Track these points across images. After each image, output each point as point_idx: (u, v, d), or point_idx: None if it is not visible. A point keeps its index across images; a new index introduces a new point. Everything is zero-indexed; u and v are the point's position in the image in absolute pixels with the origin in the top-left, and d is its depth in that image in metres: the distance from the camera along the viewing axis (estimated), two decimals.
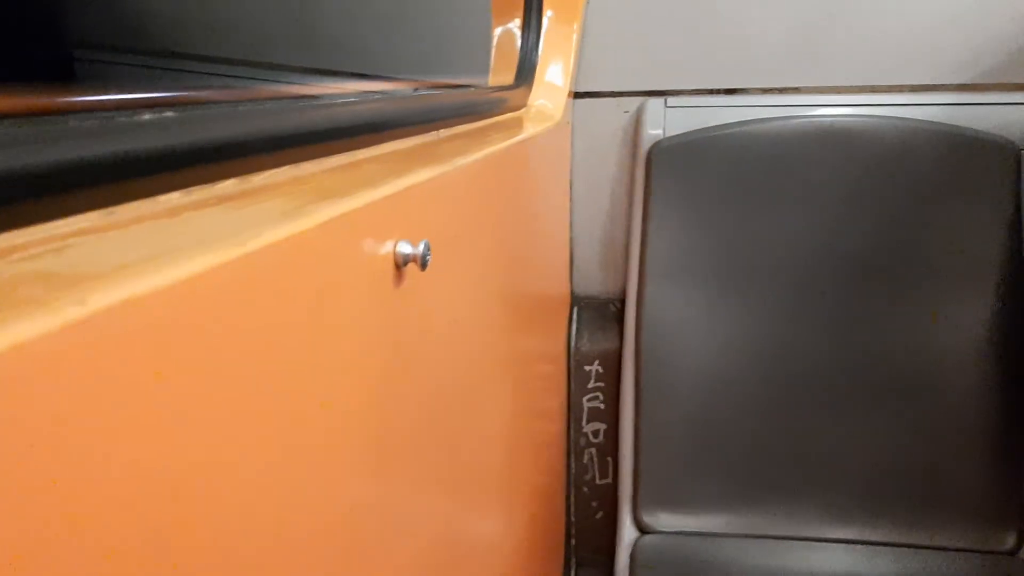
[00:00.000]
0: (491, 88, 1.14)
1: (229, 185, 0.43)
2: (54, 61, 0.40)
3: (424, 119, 0.76)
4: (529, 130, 1.08)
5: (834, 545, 1.27)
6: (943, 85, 1.28)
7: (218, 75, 0.56)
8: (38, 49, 0.39)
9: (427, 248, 0.54)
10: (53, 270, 0.29)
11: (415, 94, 0.80)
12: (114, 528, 0.28)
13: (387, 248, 0.53)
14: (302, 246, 0.41)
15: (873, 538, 1.27)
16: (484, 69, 1.21)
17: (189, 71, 0.53)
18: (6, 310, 0.24)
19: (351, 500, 0.51)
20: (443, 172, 0.62)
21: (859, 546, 1.26)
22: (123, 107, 0.41)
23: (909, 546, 1.25)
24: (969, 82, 1.28)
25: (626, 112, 1.36)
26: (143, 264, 0.30)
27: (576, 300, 1.48)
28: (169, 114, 0.39)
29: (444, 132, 0.82)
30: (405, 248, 0.54)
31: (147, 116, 0.37)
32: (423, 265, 0.54)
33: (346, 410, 0.50)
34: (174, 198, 0.39)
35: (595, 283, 1.47)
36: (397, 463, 0.60)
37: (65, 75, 0.41)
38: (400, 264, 0.54)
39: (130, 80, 0.47)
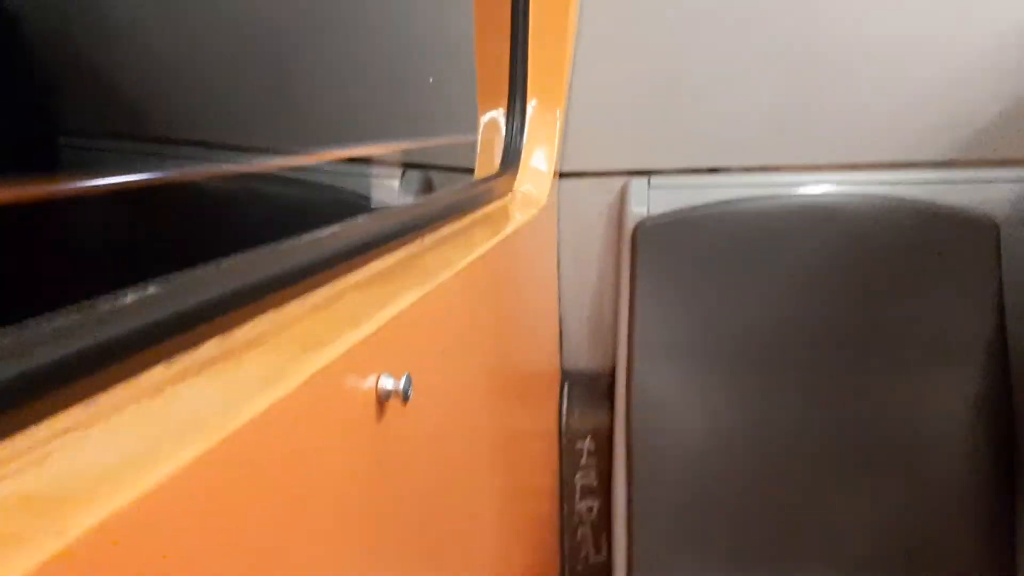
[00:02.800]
0: (476, 182, 1.15)
1: (211, 346, 0.44)
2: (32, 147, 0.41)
3: (409, 229, 0.77)
4: (516, 219, 1.10)
5: None
6: (923, 162, 1.31)
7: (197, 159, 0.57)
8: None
9: (408, 382, 0.55)
10: (34, 490, 0.29)
11: (399, 207, 0.82)
12: None
13: (369, 384, 0.53)
14: (288, 406, 0.42)
15: None
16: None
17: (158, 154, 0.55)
18: None
19: None
20: (424, 294, 0.63)
21: None
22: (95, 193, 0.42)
23: None
24: (948, 158, 1.30)
25: (610, 192, 1.38)
26: (126, 467, 0.31)
27: (566, 375, 1.48)
28: (151, 291, 0.40)
29: (429, 238, 0.83)
30: (387, 383, 0.54)
31: (129, 298, 0.38)
32: (404, 398, 0.55)
33: (340, 541, 0.50)
34: (157, 372, 0.39)
35: (585, 358, 1.48)
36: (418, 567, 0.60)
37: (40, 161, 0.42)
38: (382, 399, 0.55)
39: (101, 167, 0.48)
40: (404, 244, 0.76)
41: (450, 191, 1.03)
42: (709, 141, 1.35)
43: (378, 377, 0.54)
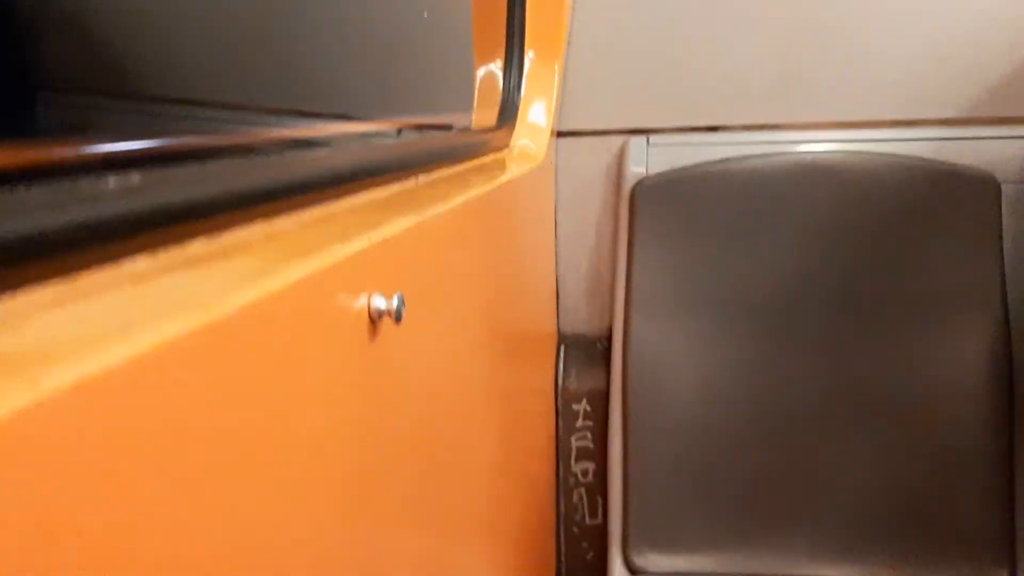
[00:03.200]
0: (473, 131, 1.14)
1: (198, 245, 0.43)
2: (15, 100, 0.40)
3: (403, 166, 0.76)
4: (512, 171, 1.08)
5: None
6: (924, 120, 1.29)
7: (191, 118, 0.55)
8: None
9: (401, 301, 0.54)
10: (6, 350, 0.28)
11: (393, 142, 0.81)
12: None
13: (361, 302, 0.52)
14: (273, 307, 0.41)
15: (865, 574, 1.26)
16: (468, 106, 1.22)
17: (159, 114, 0.53)
18: None
19: (337, 553, 0.50)
20: (418, 222, 0.62)
21: None
22: (87, 162, 0.41)
23: None
24: (949, 116, 1.29)
25: (609, 151, 1.37)
26: (104, 337, 0.30)
27: (563, 338, 1.47)
28: (135, 178, 0.38)
29: (424, 178, 0.82)
30: (379, 302, 0.53)
31: (112, 183, 0.37)
32: (397, 318, 0.54)
33: (326, 465, 0.49)
34: (140, 263, 0.38)
35: (582, 321, 1.47)
36: (382, 513, 0.59)
37: (26, 117, 0.41)
38: (374, 318, 0.53)
39: (96, 126, 0.47)
40: (399, 179, 0.75)
41: (448, 135, 1.02)
42: (709, 99, 1.34)
43: (370, 296, 0.53)
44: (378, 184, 0.69)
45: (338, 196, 0.61)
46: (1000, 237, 1.24)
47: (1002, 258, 1.24)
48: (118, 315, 0.33)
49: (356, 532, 0.54)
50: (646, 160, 1.32)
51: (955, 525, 1.26)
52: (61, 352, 0.28)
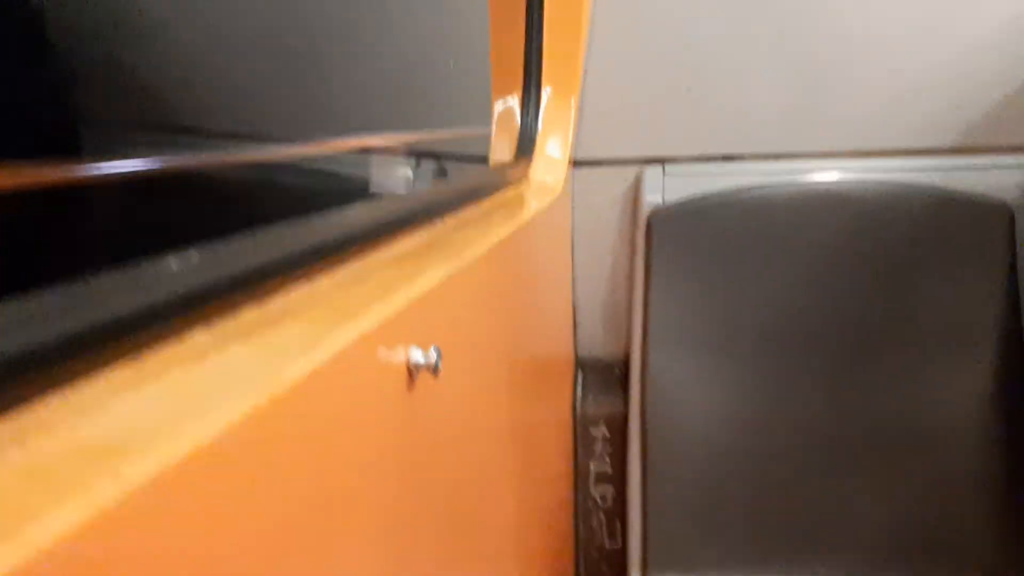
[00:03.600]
0: (493, 168, 1.16)
1: (249, 314, 0.45)
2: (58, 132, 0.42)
3: (428, 213, 0.78)
4: (532, 207, 1.11)
5: None
6: (937, 148, 1.31)
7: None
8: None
9: (438, 354, 0.56)
10: (89, 440, 0.30)
11: (419, 190, 0.83)
12: None
13: (400, 357, 0.54)
14: (324, 374, 0.43)
15: None
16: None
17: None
18: (50, 497, 0.26)
19: None
20: (449, 274, 0.64)
21: None
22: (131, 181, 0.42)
23: None
24: (962, 145, 1.30)
25: (625, 180, 1.39)
26: (178, 423, 0.32)
27: (581, 363, 1.49)
28: (194, 258, 0.40)
29: (450, 220, 0.84)
30: (417, 356, 0.55)
31: (173, 265, 0.39)
32: (435, 371, 0.56)
33: (368, 512, 0.51)
34: (199, 336, 0.40)
35: (599, 346, 1.48)
36: (417, 552, 0.61)
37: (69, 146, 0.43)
38: (412, 371, 0.55)
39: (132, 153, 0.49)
40: (424, 226, 0.77)
41: (467, 177, 1.04)
42: (723, 129, 1.35)
43: (408, 349, 0.55)
44: (407, 234, 0.71)
45: (373, 249, 0.63)
46: (1013, 265, 1.26)
47: (1016, 286, 1.25)
48: (186, 396, 0.35)
49: (393, 569, 0.56)
50: (662, 189, 1.34)
51: (966, 556, 1.27)
52: (139, 442, 0.30)
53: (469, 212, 0.92)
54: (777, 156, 1.34)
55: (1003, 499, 1.26)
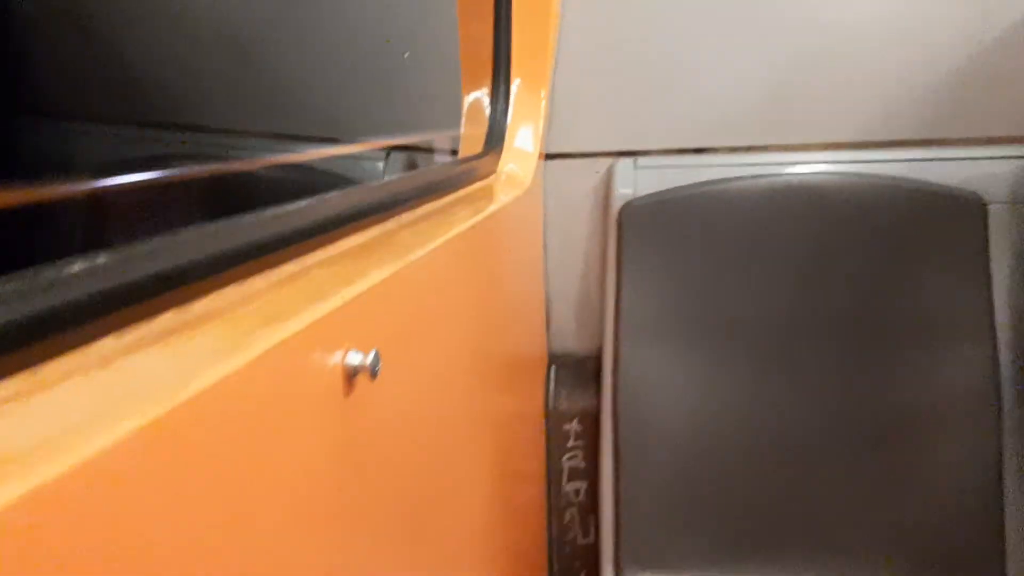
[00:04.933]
0: (459, 161, 1.15)
1: (167, 319, 0.43)
2: None
3: (383, 208, 0.76)
4: (500, 200, 1.09)
5: None
6: (909, 140, 1.30)
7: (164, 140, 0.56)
8: None
9: (376, 358, 0.54)
10: None
11: (375, 183, 0.81)
12: None
13: (336, 359, 0.53)
14: (247, 378, 0.41)
15: None
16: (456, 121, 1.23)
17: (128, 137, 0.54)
18: None
19: None
20: (394, 271, 0.62)
21: None
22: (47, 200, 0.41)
23: None
24: (936, 137, 1.29)
25: (597, 172, 1.37)
26: (65, 439, 0.30)
27: (553, 358, 1.48)
28: (101, 260, 0.39)
29: (407, 216, 0.82)
30: (354, 359, 0.54)
31: (76, 267, 0.37)
32: (373, 375, 0.54)
33: (308, 523, 0.50)
34: (107, 344, 0.39)
35: (571, 341, 1.47)
36: (372, 557, 0.60)
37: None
38: (350, 375, 0.54)
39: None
40: (379, 222, 0.75)
41: (432, 169, 1.03)
42: (696, 121, 1.34)
43: (345, 352, 0.54)
44: (357, 230, 0.70)
45: (315, 247, 0.61)
46: (987, 257, 1.25)
47: (989, 278, 1.24)
48: (83, 407, 0.34)
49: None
50: (634, 182, 1.33)
51: (945, 547, 1.26)
52: (18, 458, 0.29)
53: (432, 205, 0.90)
54: (750, 148, 1.33)
55: (980, 491, 1.25)
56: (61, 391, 0.34)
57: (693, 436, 1.32)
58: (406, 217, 0.82)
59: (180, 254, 0.45)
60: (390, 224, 0.77)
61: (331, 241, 0.64)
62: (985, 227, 1.25)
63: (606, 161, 1.37)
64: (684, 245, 1.30)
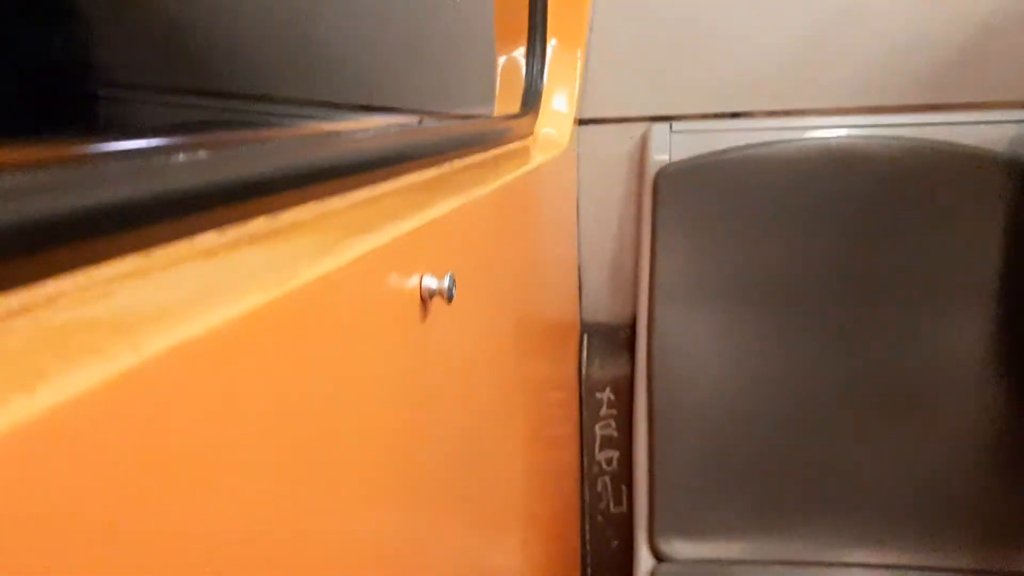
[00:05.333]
0: (499, 118, 1.14)
1: (260, 223, 0.43)
2: (77, 102, 0.40)
3: (438, 150, 0.76)
4: (537, 159, 1.08)
5: (854, 569, 1.26)
6: (949, 104, 1.29)
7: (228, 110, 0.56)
8: (60, 90, 0.39)
9: (452, 281, 0.54)
10: (102, 316, 0.28)
11: (429, 126, 0.81)
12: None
13: (413, 282, 0.52)
14: (336, 283, 0.41)
15: (892, 561, 1.26)
16: (490, 99, 1.22)
17: (201, 106, 0.53)
18: (63, 360, 0.24)
19: (377, 530, 0.50)
20: (463, 203, 0.62)
21: (879, 570, 1.25)
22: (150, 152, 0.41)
23: (929, 568, 1.24)
24: (974, 100, 1.28)
25: (631, 138, 1.37)
26: (189, 307, 0.30)
27: (586, 327, 1.47)
28: (202, 154, 0.39)
29: (457, 163, 0.82)
30: (431, 282, 0.53)
31: (181, 157, 0.37)
32: (449, 298, 0.54)
33: (377, 443, 0.49)
34: (209, 238, 0.38)
35: (604, 309, 1.47)
36: (421, 496, 0.59)
37: (89, 116, 0.41)
38: (425, 298, 0.53)
39: (154, 120, 0.47)
40: (434, 164, 0.75)
41: (477, 121, 1.02)
42: (732, 85, 1.33)
43: (421, 276, 0.53)
44: (415, 168, 0.69)
45: (381, 179, 0.61)
46: (1021, 220, 1.24)
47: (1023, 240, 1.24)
48: (196, 286, 0.33)
49: (396, 506, 0.54)
50: (669, 147, 1.32)
51: (979, 509, 1.26)
52: (153, 318, 0.28)
53: (478, 156, 0.90)
54: (786, 112, 1.33)
55: (1014, 452, 1.24)
56: (175, 273, 0.34)
57: (728, 402, 1.31)
58: (456, 164, 0.82)
59: (271, 162, 0.45)
60: (444, 168, 0.77)
61: (396, 175, 0.64)
62: (1021, 189, 1.24)
63: (640, 126, 1.36)
64: (720, 209, 1.30)
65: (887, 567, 1.25)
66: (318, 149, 0.51)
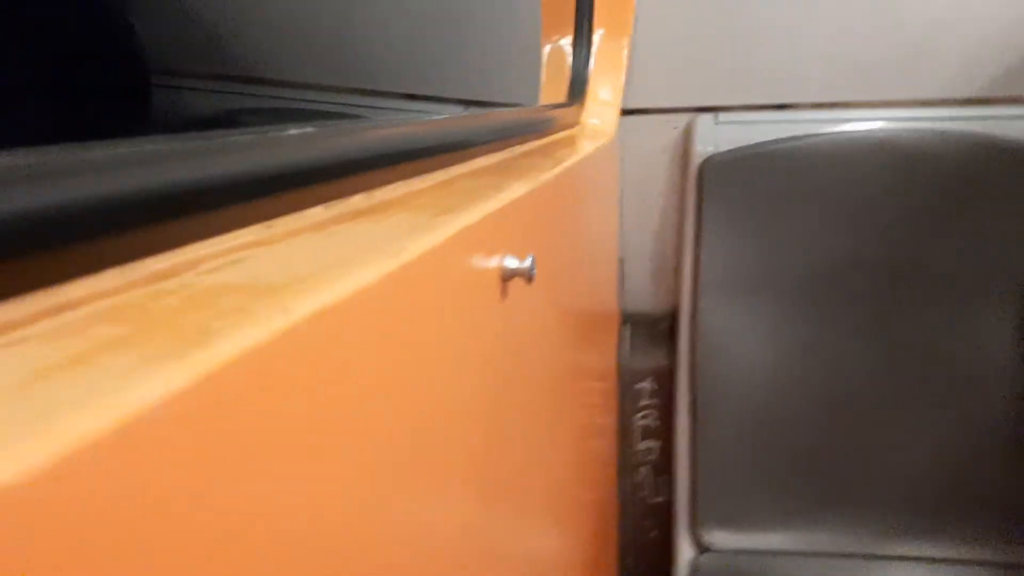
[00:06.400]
0: (548, 106, 1.14)
1: (359, 199, 0.43)
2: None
3: (499, 136, 0.76)
4: (586, 148, 1.08)
5: (896, 562, 1.25)
6: (996, 98, 1.28)
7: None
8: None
9: (533, 263, 0.54)
10: (241, 281, 0.29)
11: (493, 112, 0.81)
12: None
13: (495, 262, 0.53)
14: (435, 260, 0.42)
15: (935, 554, 1.25)
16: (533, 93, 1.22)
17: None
18: (221, 320, 0.25)
19: (455, 509, 0.51)
20: (537, 186, 0.62)
21: (921, 563, 1.25)
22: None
23: (972, 562, 1.24)
24: (1014, 94, 1.27)
25: (675, 128, 1.36)
26: (320, 275, 0.31)
27: (627, 317, 1.47)
28: (309, 129, 0.39)
29: (517, 149, 0.82)
30: (511, 263, 0.54)
31: (293, 131, 0.38)
32: (529, 279, 0.54)
33: (464, 420, 0.50)
34: (317, 212, 0.39)
35: (645, 300, 1.47)
36: (490, 475, 0.60)
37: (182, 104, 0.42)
38: (505, 278, 0.54)
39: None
40: (496, 150, 0.75)
41: (527, 109, 1.02)
42: (777, 76, 1.32)
43: (503, 257, 0.54)
44: (483, 153, 0.70)
45: (454, 162, 0.62)
46: None
47: None
48: (316, 257, 0.34)
49: (466, 485, 0.55)
50: (714, 138, 1.31)
51: (1021, 502, 1.25)
52: (292, 284, 0.29)
53: (531, 145, 0.90)
54: (832, 105, 1.32)
55: None
56: (294, 244, 0.35)
57: (770, 394, 1.31)
58: (517, 149, 0.82)
59: (368, 141, 0.45)
60: (506, 153, 0.78)
61: (466, 159, 0.64)
62: None
63: (683, 117, 1.35)
64: (765, 201, 1.29)
65: (929, 560, 1.25)
66: (403, 132, 0.52)
